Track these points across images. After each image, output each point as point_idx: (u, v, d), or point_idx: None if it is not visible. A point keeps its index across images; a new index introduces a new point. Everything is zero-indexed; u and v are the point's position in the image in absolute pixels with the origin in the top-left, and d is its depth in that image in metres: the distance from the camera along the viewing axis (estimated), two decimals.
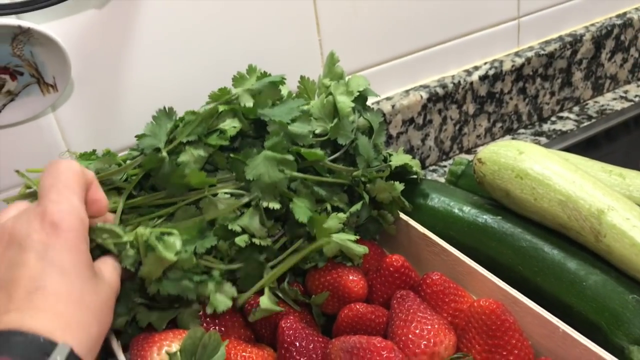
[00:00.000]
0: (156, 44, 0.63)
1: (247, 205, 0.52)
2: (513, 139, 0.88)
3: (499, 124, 0.88)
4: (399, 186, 0.58)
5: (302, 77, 0.63)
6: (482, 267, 0.54)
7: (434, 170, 0.84)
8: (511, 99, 0.87)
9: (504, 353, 0.47)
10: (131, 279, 0.50)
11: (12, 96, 0.57)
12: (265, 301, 0.50)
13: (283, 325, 0.49)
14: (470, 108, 0.84)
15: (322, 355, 0.48)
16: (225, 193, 0.52)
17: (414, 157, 0.81)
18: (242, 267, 0.52)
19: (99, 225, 0.48)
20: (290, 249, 0.53)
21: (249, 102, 0.54)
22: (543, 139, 0.87)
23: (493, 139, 0.88)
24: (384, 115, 0.75)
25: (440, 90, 0.80)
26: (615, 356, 0.44)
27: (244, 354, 0.49)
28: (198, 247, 0.49)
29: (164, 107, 0.54)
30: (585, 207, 0.53)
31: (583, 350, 0.45)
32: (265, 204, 0.51)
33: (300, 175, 0.53)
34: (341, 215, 0.53)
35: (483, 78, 0.82)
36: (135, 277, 0.49)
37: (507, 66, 0.84)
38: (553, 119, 0.92)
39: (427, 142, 0.82)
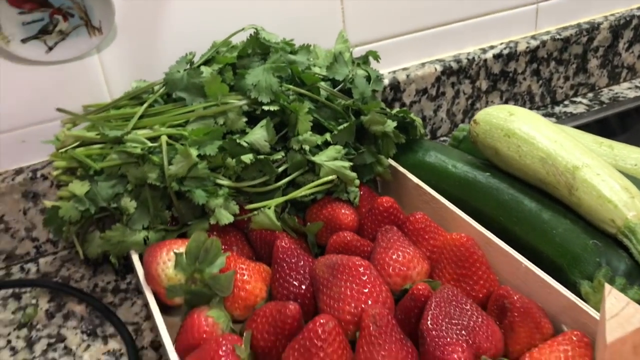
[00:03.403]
0: None
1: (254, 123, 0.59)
2: None
3: (511, 102, 0.92)
4: (392, 123, 0.64)
5: (314, 45, 0.70)
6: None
7: (444, 141, 0.89)
8: (524, 79, 0.91)
9: (470, 282, 0.53)
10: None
11: (63, 36, 0.66)
12: (268, 213, 0.57)
13: (278, 243, 0.55)
14: (483, 84, 0.88)
15: (309, 272, 0.54)
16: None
17: (425, 127, 0.87)
18: (248, 187, 0.59)
19: (129, 137, 0.56)
20: (291, 176, 0.60)
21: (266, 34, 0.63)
22: (553, 120, 0.91)
23: None
24: (398, 82, 0.82)
25: (454, 65, 0.85)
26: (570, 291, 0.49)
27: (241, 265, 0.55)
28: (207, 150, 0.56)
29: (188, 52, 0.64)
30: (562, 164, 0.57)
31: (540, 283, 0.51)
32: (262, 100, 0.59)
33: (295, 88, 0.61)
34: (338, 147, 0.60)
35: (497, 56, 0.87)
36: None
37: (521, 47, 0.88)
38: (566, 102, 0.95)
39: (439, 114, 0.88)
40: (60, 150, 0.61)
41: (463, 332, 0.47)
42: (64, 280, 0.68)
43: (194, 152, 0.56)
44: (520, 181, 0.62)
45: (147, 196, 0.58)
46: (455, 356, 0.45)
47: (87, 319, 0.62)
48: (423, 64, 0.85)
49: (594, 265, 0.50)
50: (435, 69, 0.84)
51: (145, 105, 0.63)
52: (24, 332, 0.61)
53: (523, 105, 0.93)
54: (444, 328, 0.46)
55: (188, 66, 0.65)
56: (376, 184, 0.73)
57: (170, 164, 0.56)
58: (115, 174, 0.59)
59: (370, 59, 0.71)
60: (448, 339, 0.46)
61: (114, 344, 0.59)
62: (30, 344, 0.60)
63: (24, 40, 0.64)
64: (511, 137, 0.62)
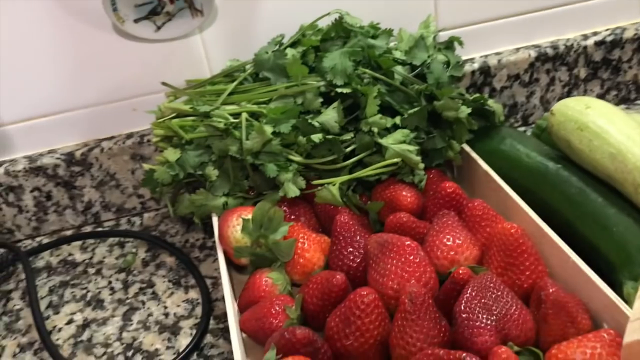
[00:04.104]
0: None
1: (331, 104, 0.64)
2: (627, 108, 0.88)
3: (613, 92, 0.88)
4: (465, 109, 0.65)
5: (400, 29, 0.72)
6: (534, 208, 0.59)
7: None
8: (630, 67, 0.87)
9: (517, 272, 0.54)
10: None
11: (170, 17, 0.73)
12: (331, 189, 0.61)
13: (337, 218, 0.60)
14: (582, 72, 0.85)
15: (364, 247, 0.58)
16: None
17: (517, 113, 0.87)
18: (317, 164, 0.63)
19: (215, 112, 0.62)
20: (359, 156, 0.63)
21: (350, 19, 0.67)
22: None
23: None
24: (488, 67, 0.82)
25: (550, 51, 0.83)
26: (616, 291, 0.49)
27: (303, 235, 0.60)
28: (282, 128, 0.61)
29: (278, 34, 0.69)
30: (631, 161, 0.56)
31: (585, 279, 0.51)
32: (336, 83, 0.63)
33: (370, 72, 0.64)
34: (406, 130, 0.62)
35: (599, 44, 0.84)
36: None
37: (629, 34, 0.84)
38: None
39: (532, 100, 0.86)
40: (159, 120, 0.68)
41: (494, 317, 0.48)
42: (161, 235, 0.77)
43: (268, 129, 0.61)
44: (590, 176, 0.61)
45: (228, 166, 0.65)
46: (482, 339, 0.47)
47: (174, 270, 0.71)
48: (517, 49, 0.84)
49: None
50: (529, 55, 0.83)
51: (235, 83, 0.69)
52: (123, 275, 0.71)
53: (628, 95, 0.89)
54: (476, 312, 0.49)
55: (276, 47, 0.70)
56: (452, 169, 0.74)
57: (247, 139, 0.62)
58: (202, 145, 0.65)
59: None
60: (478, 323, 0.48)
61: (193, 294, 0.67)
62: (126, 286, 0.70)
63: (136, 21, 0.72)
64: (584, 131, 0.61)
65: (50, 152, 0.78)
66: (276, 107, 0.63)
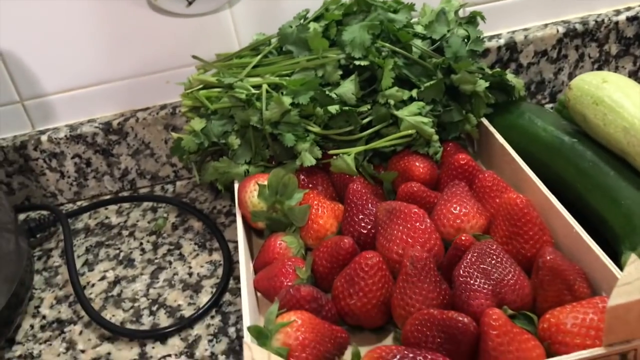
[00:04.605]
0: None
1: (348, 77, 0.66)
2: None
3: None
4: (483, 83, 0.66)
5: (424, 4, 0.73)
6: (549, 182, 0.60)
7: None
8: None
9: (521, 241, 0.55)
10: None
11: None
12: (345, 159, 0.64)
13: (350, 186, 0.62)
14: (613, 48, 0.84)
15: (374, 214, 0.60)
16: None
17: (544, 90, 0.86)
18: (335, 135, 0.66)
19: (238, 84, 0.65)
20: (375, 127, 0.65)
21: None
22: None
23: None
24: (515, 43, 0.82)
25: (579, 27, 0.82)
26: (618, 262, 0.50)
27: (318, 202, 0.63)
28: (301, 99, 0.63)
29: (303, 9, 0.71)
30: None
31: (586, 249, 0.52)
32: (354, 55, 0.65)
33: (388, 45, 0.65)
34: (421, 103, 0.64)
35: (632, 19, 0.82)
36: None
37: None
38: None
39: (560, 77, 0.86)
40: (187, 91, 0.72)
41: (492, 282, 0.50)
42: (191, 201, 0.81)
43: (287, 100, 0.64)
44: (605, 150, 0.62)
45: (249, 136, 0.68)
46: (478, 302, 0.49)
47: (200, 234, 0.75)
48: (545, 25, 0.83)
49: None
50: (557, 31, 0.82)
51: (260, 56, 0.71)
52: (153, 238, 0.76)
53: None
54: (474, 276, 0.50)
55: (300, 22, 0.72)
56: (473, 143, 0.75)
57: (267, 109, 0.65)
58: (226, 115, 0.69)
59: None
60: (475, 286, 0.50)
61: (216, 256, 0.70)
62: (155, 247, 0.74)
63: None
64: (599, 105, 0.61)
65: (89, 121, 0.83)
66: (296, 79, 0.66)
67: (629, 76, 0.87)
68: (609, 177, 0.59)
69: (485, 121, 0.71)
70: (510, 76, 0.71)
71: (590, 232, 0.53)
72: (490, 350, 0.44)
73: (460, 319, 0.46)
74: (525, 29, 0.84)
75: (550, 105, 0.87)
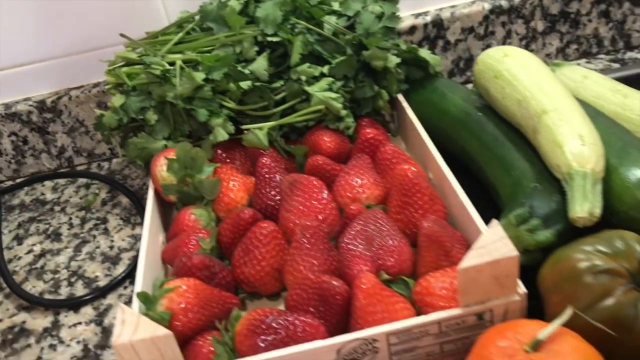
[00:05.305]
0: None
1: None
2: (588, 63, 0.88)
3: (573, 46, 0.88)
4: (394, 59, 0.68)
5: None
6: (457, 155, 0.62)
7: None
8: (590, 21, 0.86)
9: (411, 210, 0.57)
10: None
11: None
12: (257, 133, 0.65)
13: (260, 159, 0.64)
14: (539, 25, 0.86)
15: (280, 187, 0.62)
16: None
17: (472, 67, 0.88)
18: (249, 110, 0.67)
19: (153, 59, 0.66)
20: (288, 103, 0.67)
21: None
22: (616, 66, 0.86)
23: (566, 60, 0.89)
24: (441, 20, 0.83)
25: (505, 4, 0.84)
26: None
27: (229, 176, 0.65)
28: (214, 75, 0.65)
29: None
30: (533, 107, 0.58)
31: (468, 217, 0.54)
32: (266, 32, 0.66)
33: (300, 22, 0.67)
34: (331, 79, 0.65)
35: None
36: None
37: None
38: None
39: None
40: (110, 68, 0.73)
41: (373, 249, 0.52)
42: (124, 178, 0.83)
43: (200, 75, 0.65)
44: (506, 123, 0.63)
45: (168, 112, 0.69)
46: (357, 267, 0.51)
47: (127, 210, 0.76)
48: (472, 2, 0.85)
49: (519, 205, 0.52)
50: (483, 7, 0.84)
51: (181, 33, 0.73)
52: (82, 213, 0.78)
53: (589, 49, 0.89)
54: (357, 243, 0.52)
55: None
56: (393, 119, 0.77)
57: (179, 85, 0.66)
58: (144, 91, 0.70)
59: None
60: (357, 252, 0.52)
61: (138, 230, 0.72)
62: (83, 222, 0.76)
63: None
64: (498, 79, 0.62)
65: (25, 99, 0.84)
66: (210, 56, 0.67)
67: (556, 53, 0.88)
68: (504, 148, 0.60)
69: (400, 97, 0.72)
70: (424, 52, 0.72)
71: (490, 203, 0.55)
72: (357, 311, 0.47)
73: (333, 282, 0.48)
74: (453, 6, 0.85)
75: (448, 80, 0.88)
